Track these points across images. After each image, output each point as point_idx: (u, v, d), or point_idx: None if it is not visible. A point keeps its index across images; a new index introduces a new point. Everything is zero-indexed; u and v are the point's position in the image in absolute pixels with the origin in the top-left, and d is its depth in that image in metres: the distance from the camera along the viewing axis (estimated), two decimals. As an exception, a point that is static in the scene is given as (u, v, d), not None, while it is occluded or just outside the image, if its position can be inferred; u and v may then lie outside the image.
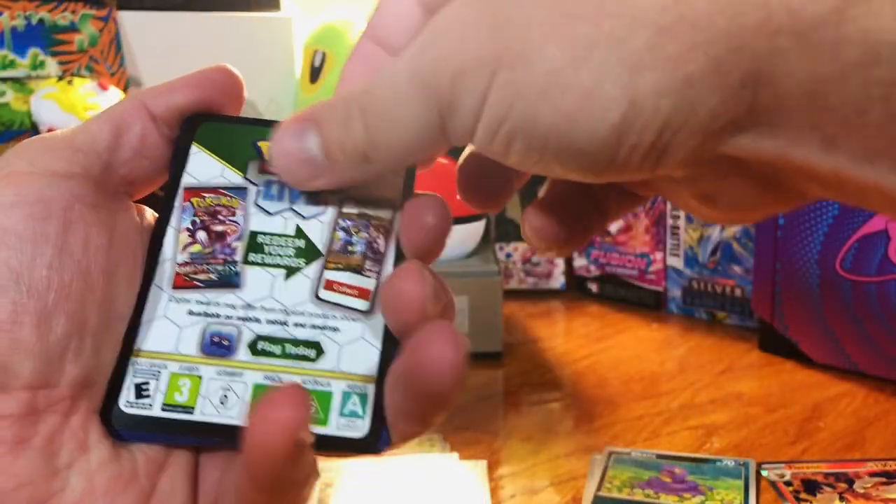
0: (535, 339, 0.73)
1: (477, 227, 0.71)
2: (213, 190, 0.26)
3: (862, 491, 0.46)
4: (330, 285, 0.25)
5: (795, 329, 0.66)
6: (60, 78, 0.84)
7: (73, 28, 0.86)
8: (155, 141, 0.25)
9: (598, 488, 0.47)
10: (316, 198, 0.26)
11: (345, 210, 0.26)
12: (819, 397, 0.59)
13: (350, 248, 0.25)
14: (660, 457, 0.50)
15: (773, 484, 0.47)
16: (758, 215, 0.25)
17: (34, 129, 0.82)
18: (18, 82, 0.83)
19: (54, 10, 0.85)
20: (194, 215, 0.25)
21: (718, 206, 0.24)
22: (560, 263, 0.87)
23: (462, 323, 0.67)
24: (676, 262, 0.79)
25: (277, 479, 0.20)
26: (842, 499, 0.45)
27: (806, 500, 0.45)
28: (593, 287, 0.86)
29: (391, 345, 0.24)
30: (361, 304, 0.25)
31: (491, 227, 0.74)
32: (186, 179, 0.26)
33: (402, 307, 0.23)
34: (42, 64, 0.85)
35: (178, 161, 0.26)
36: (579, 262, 0.86)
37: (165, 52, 0.91)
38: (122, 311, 0.24)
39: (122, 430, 0.23)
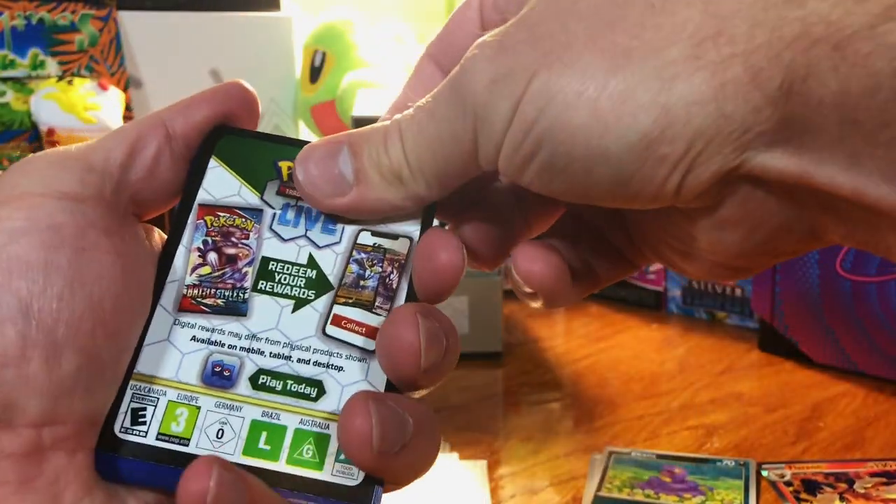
0: (535, 339, 0.73)
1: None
2: (229, 209, 0.25)
3: (862, 491, 0.46)
4: (338, 321, 0.24)
5: (795, 329, 0.66)
6: (60, 78, 0.84)
7: (73, 28, 0.86)
8: (169, 161, 0.24)
9: (599, 488, 0.47)
10: (332, 226, 0.25)
11: (360, 241, 0.25)
12: (819, 397, 0.59)
13: (362, 282, 0.25)
14: (660, 457, 0.50)
15: (773, 484, 0.47)
16: (767, 260, 0.24)
17: (34, 129, 0.82)
18: (18, 82, 0.83)
19: (54, 10, 0.85)
20: (206, 234, 0.25)
21: (730, 250, 0.23)
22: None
23: (462, 323, 0.67)
24: (676, 262, 0.79)
25: None
26: (842, 499, 0.45)
27: (806, 500, 0.45)
28: (593, 287, 0.86)
29: (395, 390, 0.23)
30: (367, 343, 0.24)
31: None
32: (202, 195, 0.25)
33: (394, 355, 0.22)
34: (42, 64, 0.85)
35: (195, 175, 0.25)
36: (579, 262, 0.86)
37: (165, 51, 0.91)
38: (133, 342, 0.23)
39: (115, 457, 0.22)
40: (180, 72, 0.92)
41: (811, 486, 0.46)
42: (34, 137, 0.83)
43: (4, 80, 0.83)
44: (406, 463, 0.22)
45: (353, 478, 0.23)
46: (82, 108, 0.81)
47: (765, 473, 0.48)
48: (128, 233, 0.23)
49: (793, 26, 0.19)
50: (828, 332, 0.63)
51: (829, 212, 0.22)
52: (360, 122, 0.71)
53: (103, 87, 0.84)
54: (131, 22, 0.89)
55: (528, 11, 0.22)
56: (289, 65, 0.98)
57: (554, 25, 0.21)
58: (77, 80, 0.83)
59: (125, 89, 0.88)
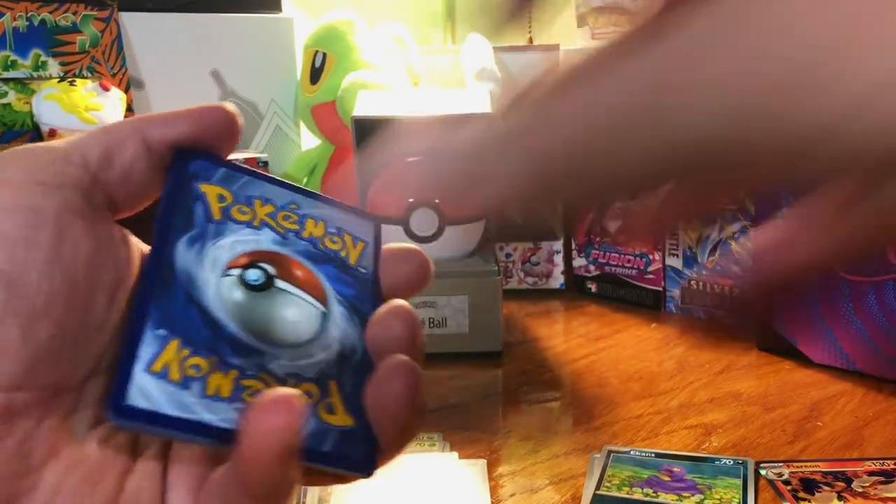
0: (534, 339, 0.74)
1: (477, 227, 0.71)
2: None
3: (860, 490, 0.46)
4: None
5: (794, 329, 0.66)
6: (62, 79, 0.84)
7: (74, 29, 0.86)
8: (143, 168, 0.25)
9: (598, 487, 0.47)
10: None
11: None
12: (817, 396, 0.60)
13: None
14: (658, 456, 0.51)
15: (771, 483, 0.47)
16: None
17: (36, 130, 0.83)
18: (20, 83, 0.84)
19: (56, 11, 0.85)
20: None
21: None
22: (560, 263, 0.87)
23: (462, 323, 0.67)
24: (675, 262, 0.79)
25: (269, 484, 0.20)
26: (840, 498, 0.45)
27: (804, 500, 0.45)
28: (592, 287, 0.86)
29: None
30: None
31: (491, 227, 0.75)
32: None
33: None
34: (44, 65, 0.85)
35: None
36: (578, 261, 0.87)
37: (167, 52, 0.91)
38: (100, 321, 0.24)
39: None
40: (182, 73, 0.92)
41: (809, 485, 0.47)
42: (36, 138, 0.83)
43: (6, 80, 0.83)
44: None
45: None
46: (84, 109, 0.81)
47: (763, 472, 0.48)
48: (102, 223, 0.24)
49: None
50: (826, 331, 0.64)
51: None
52: (360, 123, 0.71)
53: (105, 88, 0.84)
54: (133, 23, 0.90)
55: None
56: (289, 66, 0.98)
57: None
58: (79, 81, 0.83)
59: (127, 90, 0.88)
